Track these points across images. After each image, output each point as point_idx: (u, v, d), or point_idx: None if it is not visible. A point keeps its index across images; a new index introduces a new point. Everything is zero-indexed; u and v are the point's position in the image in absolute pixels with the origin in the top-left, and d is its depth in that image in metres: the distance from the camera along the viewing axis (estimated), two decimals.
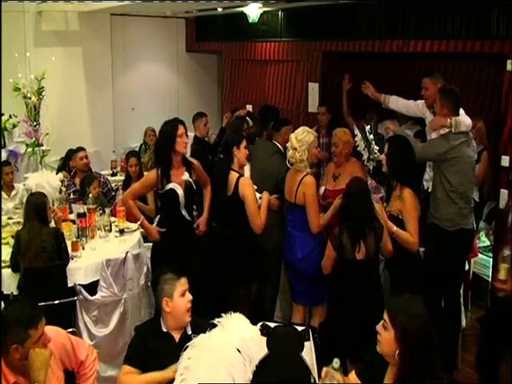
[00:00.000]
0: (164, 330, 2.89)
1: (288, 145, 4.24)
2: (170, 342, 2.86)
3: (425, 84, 4.61)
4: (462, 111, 4.20)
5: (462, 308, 4.50)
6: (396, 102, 4.96)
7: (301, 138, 4.15)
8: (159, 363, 2.78)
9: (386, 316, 2.34)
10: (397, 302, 2.37)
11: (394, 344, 2.28)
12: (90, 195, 5.13)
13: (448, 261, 4.11)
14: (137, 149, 7.85)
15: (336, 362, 2.52)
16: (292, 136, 4.23)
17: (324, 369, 2.53)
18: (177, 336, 2.89)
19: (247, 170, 4.64)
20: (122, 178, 6.46)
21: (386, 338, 2.31)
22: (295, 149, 4.15)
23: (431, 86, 4.56)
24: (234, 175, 4.15)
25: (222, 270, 4.33)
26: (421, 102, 4.72)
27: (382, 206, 3.87)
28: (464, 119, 4.13)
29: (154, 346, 2.84)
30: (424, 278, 3.89)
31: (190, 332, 2.89)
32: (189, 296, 2.89)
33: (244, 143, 4.25)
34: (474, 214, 4.32)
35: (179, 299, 2.86)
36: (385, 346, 2.33)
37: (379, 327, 2.37)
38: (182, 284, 2.89)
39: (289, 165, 4.27)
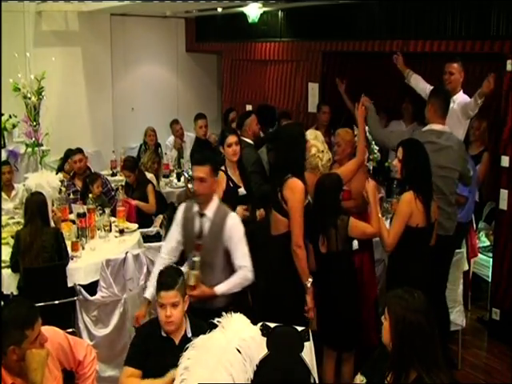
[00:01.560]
0: (163, 334, 2.87)
1: (314, 150, 4.08)
2: (170, 345, 2.84)
3: (451, 69, 4.61)
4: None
5: (462, 308, 4.50)
6: (416, 82, 4.96)
7: (322, 140, 4.16)
8: (160, 365, 2.77)
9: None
10: (395, 292, 2.41)
11: (389, 332, 2.33)
12: (90, 195, 5.13)
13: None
14: (137, 149, 7.88)
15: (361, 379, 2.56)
16: (313, 141, 4.10)
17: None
18: (177, 339, 2.87)
19: None
20: (122, 177, 6.46)
21: (385, 326, 2.37)
22: (322, 151, 4.11)
23: (457, 72, 4.59)
24: (220, 174, 4.15)
25: None
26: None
27: (375, 184, 3.80)
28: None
29: (155, 349, 2.83)
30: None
31: (189, 335, 2.88)
32: (167, 311, 2.79)
33: (228, 141, 4.22)
34: (455, 221, 4.18)
35: (158, 308, 2.85)
36: (384, 334, 2.38)
37: (383, 317, 2.42)
38: (162, 297, 2.82)
39: (321, 169, 4.11)
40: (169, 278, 2.87)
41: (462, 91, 4.66)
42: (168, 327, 2.82)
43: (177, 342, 2.87)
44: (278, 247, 3.69)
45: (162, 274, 2.96)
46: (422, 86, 4.87)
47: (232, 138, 4.24)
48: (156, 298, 2.91)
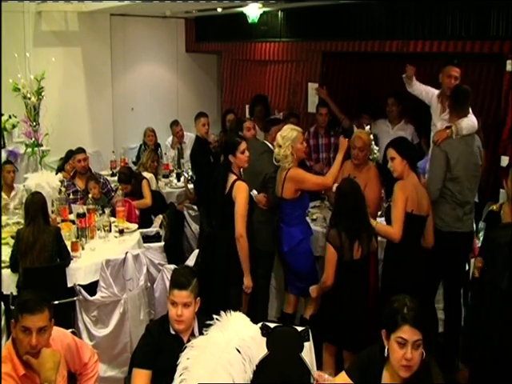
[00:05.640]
0: (172, 332, 2.85)
1: (274, 143, 4.39)
2: (179, 344, 2.81)
3: (457, 73, 4.52)
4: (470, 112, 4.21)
5: (462, 308, 4.49)
6: (415, 87, 4.91)
7: (285, 135, 4.29)
8: (170, 364, 2.72)
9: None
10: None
11: None
12: (90, 195, 5.13)
13: (443, 261, 4.11)
14: (136, 149, 7.87)
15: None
16: (278, 134, 4.37)
17: (316, 372, 2.54)
18: (185, 337, 2.85)
19: None
20: None
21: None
22: (280, 146, 4.29)
23: (459, 76, 4.51)
24: (232, 177, 4.16)
25: (216, 270, 4.28)
26: (435, 95, 4.73)
27: (346, 142, 4.10)
28: (467, 122, 4.10)
29: (166, 348, 2.81)
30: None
31: (197, 334, 2.86)
32: (178, 310, 2.78)
33: (241, 148, 4.16)
34: (472, 216, 4.26)
35: (170, 306, 2.83)
36: None
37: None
38: (175, 295, 2.80)
39: (275, 162, 4.38)
40: (183, 278, 2.84)
41: None
42: (178, 326, 2.81)
43: (185, 339, 2.84)
44: None
45: (176, 272, 2.95)
46: (428, 93, 4.82)
47: (244, 144, 4.22)
48: (168, 294, 2.89)
